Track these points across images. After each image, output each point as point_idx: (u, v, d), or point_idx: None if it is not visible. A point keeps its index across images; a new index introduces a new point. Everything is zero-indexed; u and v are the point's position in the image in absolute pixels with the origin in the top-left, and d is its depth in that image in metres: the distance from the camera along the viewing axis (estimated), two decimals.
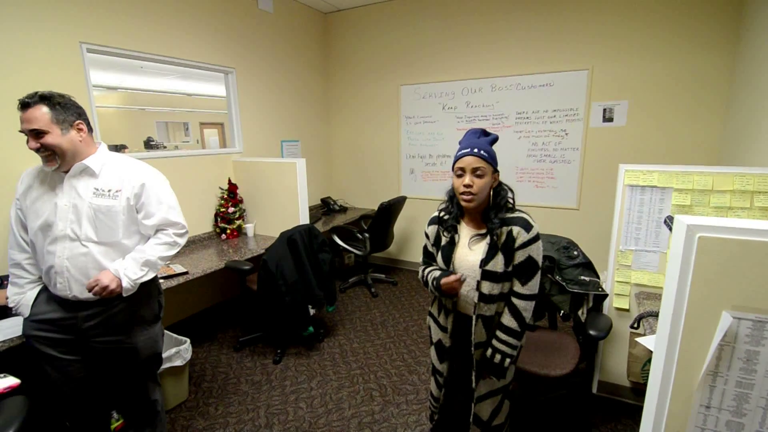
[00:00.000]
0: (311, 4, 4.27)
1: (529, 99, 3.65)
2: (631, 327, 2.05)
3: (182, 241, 1.73)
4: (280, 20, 3.95)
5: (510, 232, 1.38)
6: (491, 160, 1.39)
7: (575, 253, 2.15)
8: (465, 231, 1.49)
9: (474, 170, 1.37)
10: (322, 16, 4.52)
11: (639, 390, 2.26)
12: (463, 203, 1.42)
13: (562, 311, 2.12)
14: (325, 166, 4.83)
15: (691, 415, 0.79)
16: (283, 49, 4.02)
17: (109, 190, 1.52)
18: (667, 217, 2.02)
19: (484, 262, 1.40)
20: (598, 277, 2.12)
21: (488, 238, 1.41)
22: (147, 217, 1.61)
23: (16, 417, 1.41)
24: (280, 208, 3.29)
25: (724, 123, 2.98)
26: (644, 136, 3.28)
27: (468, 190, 1.37)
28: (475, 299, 1.44)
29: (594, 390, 2.37)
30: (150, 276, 1.63)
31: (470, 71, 3.86)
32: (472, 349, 1.50)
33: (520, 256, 1.39)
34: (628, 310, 2.19)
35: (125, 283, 1.53)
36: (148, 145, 6.57)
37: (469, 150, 1.38)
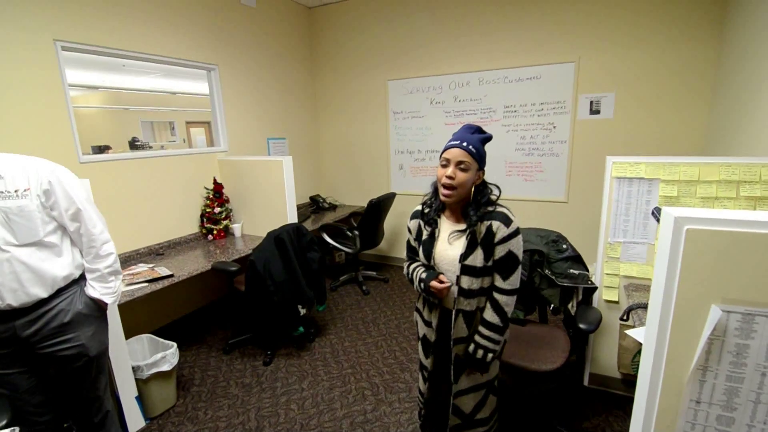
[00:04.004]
0: None
1: (516, 92, 3.64)
2: (621, 319, 2.05)
3: (109, 247, 1.64)
4: (263, 15, 3.87)
5: (489, 227, 1.38)
6: (478, 156, 1.38)
7: (564, 246, 2.15)
8: (445, 225, 1.50)
9: (458, 163, 1.37)
10: (307, 11, 4.45)
11: (629, 381, 2.27)
12: (441, 196, 1.42)
13: (552, 305, 2.11)
14: (313, 164, 4.78)
15: (681, 410, 0.78)
16: (267, 44, 3.95)
17: (16, 191, 1.44)
18: (655, 208, 2.02)
19: (464, 256, 1.40)
20: (587, 270, 2.11)
21: (467, 233, 1.41)
22: (62, 212, 1.53)
23: (3, 412, 1.38)
24: (268, 207, 3.23)
25: (710, 113, 3.00)
26: (631, 127, 3.29)
27: (449, 182, 1.37)
28: (455, 294, 1.44)
29: (585, 382, 2.38)
30: (120, 279, 1.72)
31: (457, 65, 3.83)
32: (451, 343, 1.50)
33: (500, 251, 1.39)
34: (617, 302, 2.19)
35: (110, 301, 1.66)
36: (133, 145, 6.45)
37: (458, 143, 1.38)
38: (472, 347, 1.46)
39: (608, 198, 2.10)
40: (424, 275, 1.49)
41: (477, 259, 1.39)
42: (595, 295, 2.20)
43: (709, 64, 2.96)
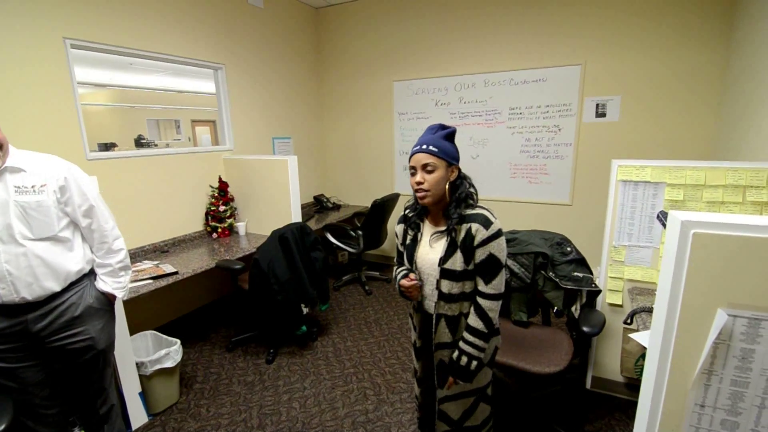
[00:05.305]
0: None
1: (522, 94, 3.63)
2: (625, 323, 2.04)
3: (120, 243, 1.70)
4: (270, 15, 3.89)
5: (469, 230, 1.34)
6: (443, 154, 1.34)
7: (568, 249, 2.15)
8: (427, 228, 1.48)
9: (424, 166, 1.34)
10: (314, 11, 4.47)
11: (632, 385, 2.26)
12: (418, 200, 1.41)
13: (556, 307, 2.11)
14: (318, 163, 4.79)
15: (685, 414, 0.78)
16: (274, 44, 3.97)
17: (33, 186, 1.47)
18: (660, 212, 2.01)
19: (443, 260, 1.38)
20: (591, 273, 2.11)
21: (447, 235, 1.38)
22: (75, 209, 1.57)
23: (5, 415, 1.39)
24: (272, 206, 3.25)
25: (717, 117, 2.99)
26: (637, 131, 3.28)
27: (420, 187, 1.35)
28: (435, 298, 1.43)
29: (588, 386, 2.37)
30: (129, 274, 1.77)
31: (463, 66, 3.84)
32: (433, 348, 1.49)
33: (480, 254, 1.34)
34: (621, 306, 2.19)
35: (121, 295, 1.72)
36: (139, 143, 6.48)
37: (418, 147, 1.36)
38: (455, 354, 1.42)
39: (613, 201, 2.10)
40: (401, 276, 1.49)
41: (456, 262, 1.36)
42: (599, 299, 2.19)
43: (716, 69, 2.94)
